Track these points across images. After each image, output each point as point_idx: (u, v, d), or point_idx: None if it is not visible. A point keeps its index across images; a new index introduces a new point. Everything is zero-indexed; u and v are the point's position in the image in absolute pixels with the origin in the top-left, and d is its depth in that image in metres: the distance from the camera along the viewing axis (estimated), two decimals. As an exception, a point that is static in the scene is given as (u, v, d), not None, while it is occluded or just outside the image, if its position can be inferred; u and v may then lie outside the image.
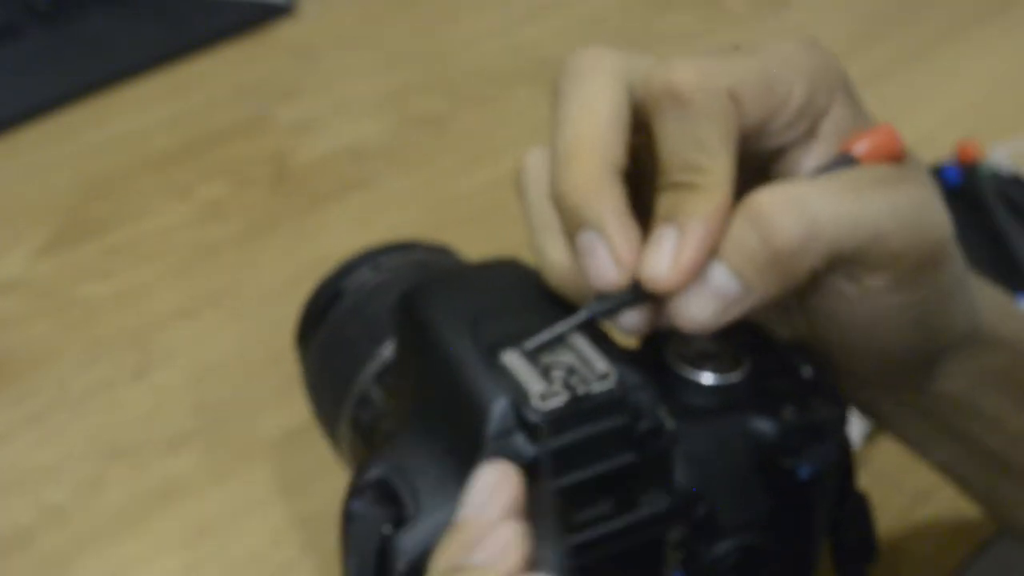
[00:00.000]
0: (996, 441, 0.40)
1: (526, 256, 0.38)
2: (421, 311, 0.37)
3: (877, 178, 0.35)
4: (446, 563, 0.31)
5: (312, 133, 0.80)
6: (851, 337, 0.37)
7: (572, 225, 0.35)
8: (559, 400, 0.33)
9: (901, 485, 0.54)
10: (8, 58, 0.84)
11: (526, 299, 0.37)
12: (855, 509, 0.41)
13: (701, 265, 0.33)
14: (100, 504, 0.56)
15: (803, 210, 0.33)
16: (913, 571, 0.52)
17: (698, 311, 0.34)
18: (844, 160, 0.35)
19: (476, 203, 0.73)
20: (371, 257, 0.50)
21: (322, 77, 0.86)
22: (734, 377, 0.37)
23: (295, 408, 0.56)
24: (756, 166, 0.36)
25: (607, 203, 0.34)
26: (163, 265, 0.69)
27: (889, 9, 0.93)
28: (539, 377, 0.34)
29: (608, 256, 0.34)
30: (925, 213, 0.35)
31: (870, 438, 0.56)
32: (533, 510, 0.32)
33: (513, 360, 0.34)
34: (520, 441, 0.33)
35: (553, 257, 0.36)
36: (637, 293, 0.34)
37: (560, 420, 0.33)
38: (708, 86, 0.34)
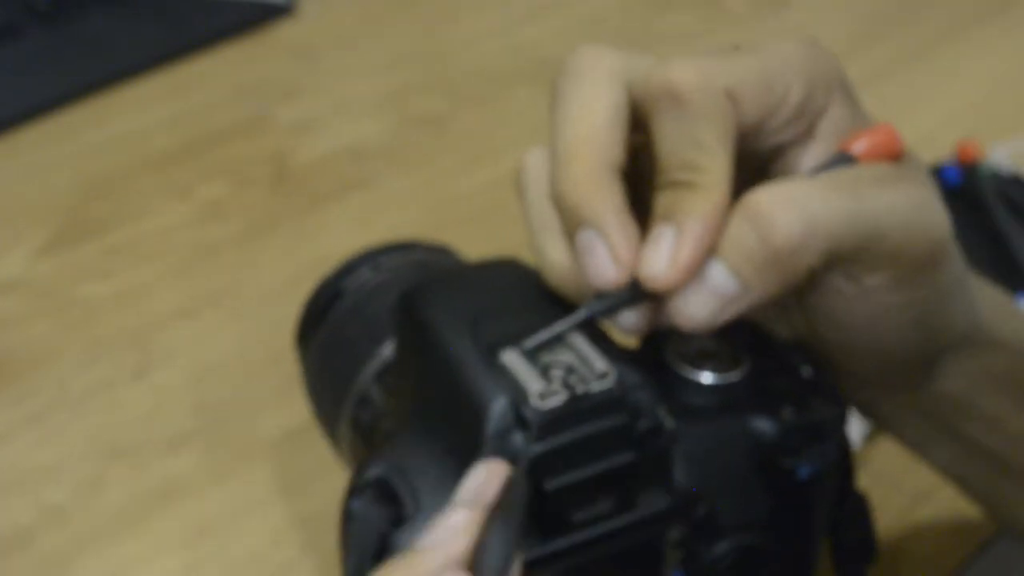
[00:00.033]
0: (996, 441, 0.40)
1: (526, 256, 0.38)
2: (421, 311, 0.37)
3: (876, 177, 0.35)
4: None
5: (312, 133, 0.80)
6: (850, 336, 0.37)
7: (571, 224, 0.35)
8: (558, 399, 0.33)
9: (901, 485, 0.54)
10: (8, 58, 0.84)
11: (526, 299, 0.37)
12: (855, 509, 0.41)
13: (699, 264, 0.34)
14: (100, 504, 0.56)
15: (801, 209, 0.33)
16: (913, 571, 0.52)
17: (696, 310, 0.34)
18: (843, 159, 0.35)
19: (476, 203, 0.73)
20: (371, 257, 0.50)
21: (322, 77, 0.86)
22: (734, 376, 0.37)
23: (295, 408, 0.56)
24: (755, 165, 0.36)
25: (606, 202, 0.34)
26: (163, 265, 0.69)
27: (889, 9, 0.93)
28: (538, 376, 0.34)
29: (607, 255, 0.34)
30: (924, 212, 0.35)
31: (870, 438, 0.56)
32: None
33: (512, 359, 0.34)
34: (519, 440, 0.33)
35: (553, 257, 0.36)
36: (636, 292, 0.34)
37: (559, 419, 0.33)
38: (706, 86, 0.34)
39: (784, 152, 0.36)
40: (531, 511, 0.33)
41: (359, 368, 0.46)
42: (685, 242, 0.33)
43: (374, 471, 0.35)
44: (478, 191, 0.74)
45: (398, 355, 0.40)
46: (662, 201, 0.34)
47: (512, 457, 0.33)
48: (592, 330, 0.35)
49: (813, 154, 0.36)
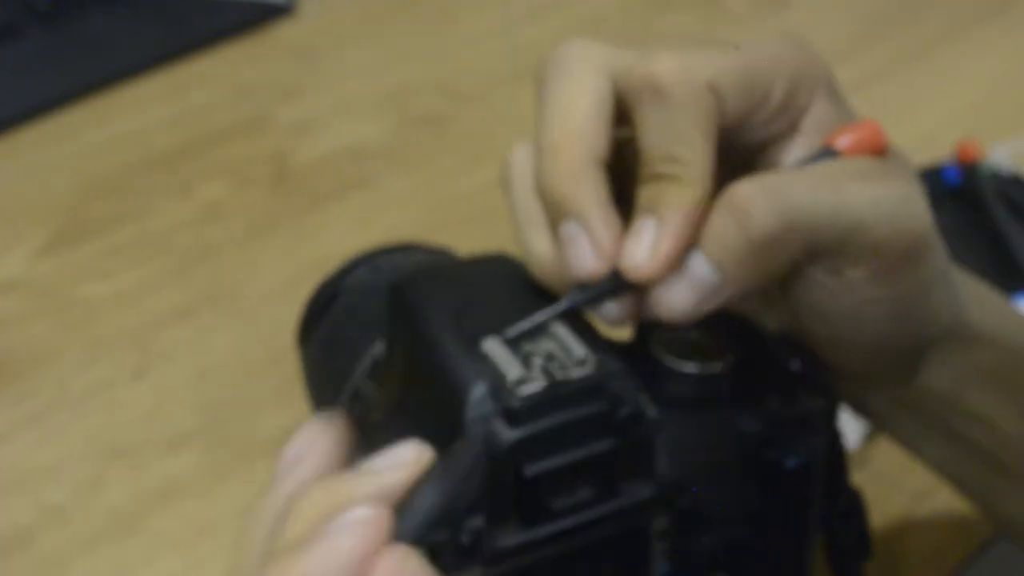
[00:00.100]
0: (987, 440, 0.40)
1: (520, 253, 0.39)
2: (409, 302, 0.37)
3: (858, 170, 0.35)
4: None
5: (312, 133, 0.80)
6: (834, 329, 0.37)
7: (555, 217, 0.35)
8: (536, 385, 0.33)
9: (901, 485, 0.54)
10: (8, 58, 0.84)
11: (512, 291, 0.37)
12: (849, 506, 0.41)
13: (680, 255, 0.34)
14: (100, 504, 0.56)
15: (782, 200, 0.33)
16: (913, 570, 0.52)
17: (677, 300, 0.34)
18: (827, 154, 0.36)
19: (476, 203, 0.73)
20: (370, 258, 0.50)
21: (322, 77, 0.86)
22: (718, 368, 0.37)
23: (295, 408, 0.55)
24: (740, 160, 0.37)
25: (589, 195, 0.34)
26: (163, 265, 0.69)
27: (889, 9, 0.93)
28: (518, 363, 0.34)
29: (589, 246, 0.34)
30: (906, 206, 0.35)
31: (870, 438, 0.56)
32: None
33: (493, 347, 0.35)
34: (498, 426, 0.33)
35: (537, 249, 0.36)
36: (617, 283, 0.34)
37: (537, 405, 0.33)
38: (688, 79, 0.34)
39: (769, 147, 0.37)
40: (510, 498, 0.33)
41: (353, 365, 0.46)
42: (666, 234, 0.34)
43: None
44: (478, 191, 0.74)
45: (387, 346, 0.40)
46: (644, 193, 0.35)
47: (491, 443, 0.33)
48: (575, 321, 0.36)
49: (797, 149, 0.36)
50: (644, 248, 0.34)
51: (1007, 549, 0.53)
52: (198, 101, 0.82)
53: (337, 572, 0.30)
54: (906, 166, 0.37)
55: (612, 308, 0.35)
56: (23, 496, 0.56)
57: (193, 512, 0.55)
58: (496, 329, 0.35)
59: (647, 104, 0.35)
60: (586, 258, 0.34)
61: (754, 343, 0.38)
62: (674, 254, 0.34)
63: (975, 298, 0.40)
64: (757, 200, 0.33)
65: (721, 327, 0.37)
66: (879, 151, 0.36)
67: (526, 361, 0.34)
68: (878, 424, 0.43)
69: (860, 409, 0.42)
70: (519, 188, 0.37)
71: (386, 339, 0.41)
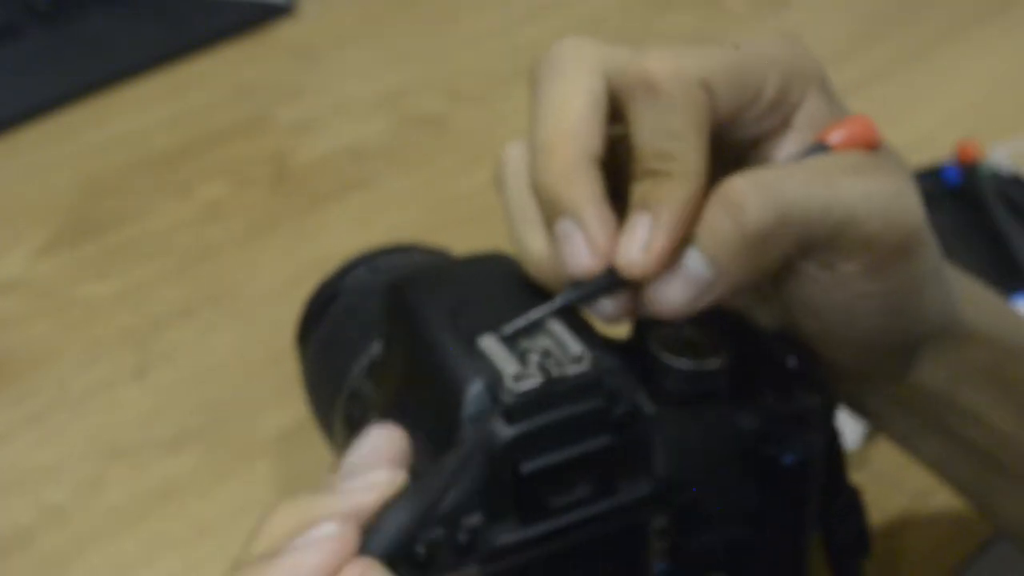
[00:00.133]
0: (982, 438, 0.40)
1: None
2: (406, 301, 0.38)
3: (851, 165, 0.35)
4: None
5: (312, 133, 0.80)
6: (827, 325, 0.37)
7: (550, 214, 0.35)
8: (533, 382, 0.33)
9: (901, 484, 0.54)
10: (8, 58, 0.84)
11: (509, 290, 0.37)
12: (847, 503, 0.41)
13: (674, 251, 0.34)
14: (100, 504, 0.56)
15: (775, 194, 0.34)
16: (912, 570, 0.52)
17: (672, 297, 0.34)
18: (819, 149, 0.36)
19: (476, 203, 0.73)
20: (369, 259, 0.50)
21: (322, 77, 0.86)
22: (715, 365, 0.37)
23: (295, 408, 0.56)
24: (733, 156, 0.37)
25: (583, 191, 0.35)
26: (163, 265, 0.69)
27: (889, 9, 0.93)
28: (515, 360, 0.34)
29: (584, 243, 0.34)
30: (899, 200, 0.36)
31: (869, 438, 0.56)
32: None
33: (490, 344, 0.35)
34: (495, 423, 0.33)
35: (533, 247, 0.36)
36: (612, 280, 0.35)
37: (534, 401, 0.33)
38: (681, 76, 0.34)
39: (761, 143, 0.37)
40: (508, 495, 0.33)
41: (352, 364, 0.46)
42: (660, 230, 0.34)
43: None
44: (478, 191, 0.74)
45: (385, 345, 0.40)
46: (638, 190, 0.35)
47: (488, 440, 0.33)
48: (571, 318, 0.36)
49: (790, 145, 0.37)
50: (638, 245, 0.34)
51: (1007, 549, 0.53)
52: (198, 101, 0.82)
53: None
54: (899, 161, 0.37)
55: (607, 305, 0.35)
56: (23, 496, 0.56)
57: (193, 512, 0.55)
58: (492, 327, 0.35)
59: (640, 101, 0.35)
60: (581, 256, 0.34)
61: (749, 339, 0.38)
62: (668, 250, 0.34)
63: (969, 296, 0.40)
64: (751, 195, 0.33)
65: (716, 323, 0.37)
66: (871, 146, 0.36)
67: (522, 358, 0.34)
68: (875, 422, 0.43)
69: (857, 407, 0.42)
70: (513, 186, 0.37)
71: (383, 338, 0.41)
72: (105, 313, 0.66)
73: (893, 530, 0.53)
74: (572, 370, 0.34)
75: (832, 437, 0.39)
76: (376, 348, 0.45)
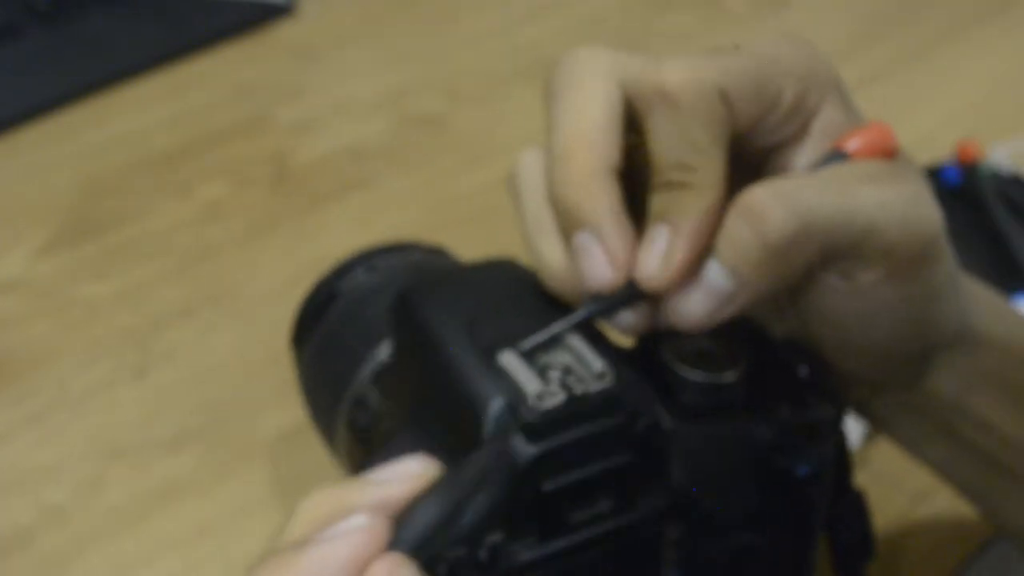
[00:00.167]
0: (989, 443, 0.40)
1: (524, 257, 0.38)
2: (418, 312, 0.37)
3: (869, 174, 0.35)
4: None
5: (312, 133, 0.80)
6: (844, 334, 0.37)
7: (568, 226, 0.35)
8: (556, 400, 0.33)
9: (901, 485, 0.54)
10: (8, 58, 0.84)
11: (523, 300, 0.37)
12: (852, 507, 0.40)
13: (694, 263, 0.34)
14: (100, 504, 0.56)
15: (796, 204, 0.33)
16: (913, 570, 0.52)
17: (693, 309, 0.34)
18: (837, 156, 0.35)
19: (476, 203, 0.73)
20: (366, 258, 0.50)
21: (322, 77, 0.86)
22: (731, 376, 0.37)
23: (295, 408, 0.56)
24: (750, 165, 0.37)
25: (602, 204, 0.34)
26: (163, 265, 0.69)
27: (889, 9, 0.93)
28: (536, 377, 0.34)
29: (603, 256, 0.34)
30: (917, 208, 0.35)
31: (870, 438, 0.56)
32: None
33: (510, 361, 0.34)
34: (517, 441, 0.33)
35: (550, 258, 0.36)
36: (632, 293, 0.34)
37: (557, 420, 0.33)
38: (699, 86, 0.34)
39: (779, 151, 0.37)
40: (529, 513, 0.33)
41: (355, 370, 0.46)
42: (680, 242, 0.33)
43: None
44: (478, 191, 0.74)
45: (396, 356, 0.40)
46: (657, 201, 0.34)
47: (510, 459, 0.33)
48: (590, 331, 0.35)
49: (807, 153, 0.36)
50: (658, 257, 0.34)
51: (1007, 549, 0.53)
52: (198, 101, 0.82)
53: None
54: (916, 169, 0.37)
55: (627, 317, 0.35)
56: (23, 496, 0.56)
57: (193, 512, 0.55)
58: (509, 340, 0.35)
59: (657, 112, 0.34)
60: (600, 269, 0.34)
61: (762, 350, 0.38)
62: (689, 263, 0.34)
63: (979, 302, 0.40)
64: (771, 205, 0.33)
65: (729, 334, 0.37)
66: (888, 154, 0.36)
67: (543, 374, 0.34)
68: (880, 427, 0.43)
69: (862, 412, 0.42)
70: (529, 196, 0.37)
71: (393, 348, 0.40)
72: (105, 313, 0.66)
73: (893, 530, 0.53)
74: (594, 387, 0.34)
75: (840, 442, 0.39)
76: (381, 354, 0.45)
